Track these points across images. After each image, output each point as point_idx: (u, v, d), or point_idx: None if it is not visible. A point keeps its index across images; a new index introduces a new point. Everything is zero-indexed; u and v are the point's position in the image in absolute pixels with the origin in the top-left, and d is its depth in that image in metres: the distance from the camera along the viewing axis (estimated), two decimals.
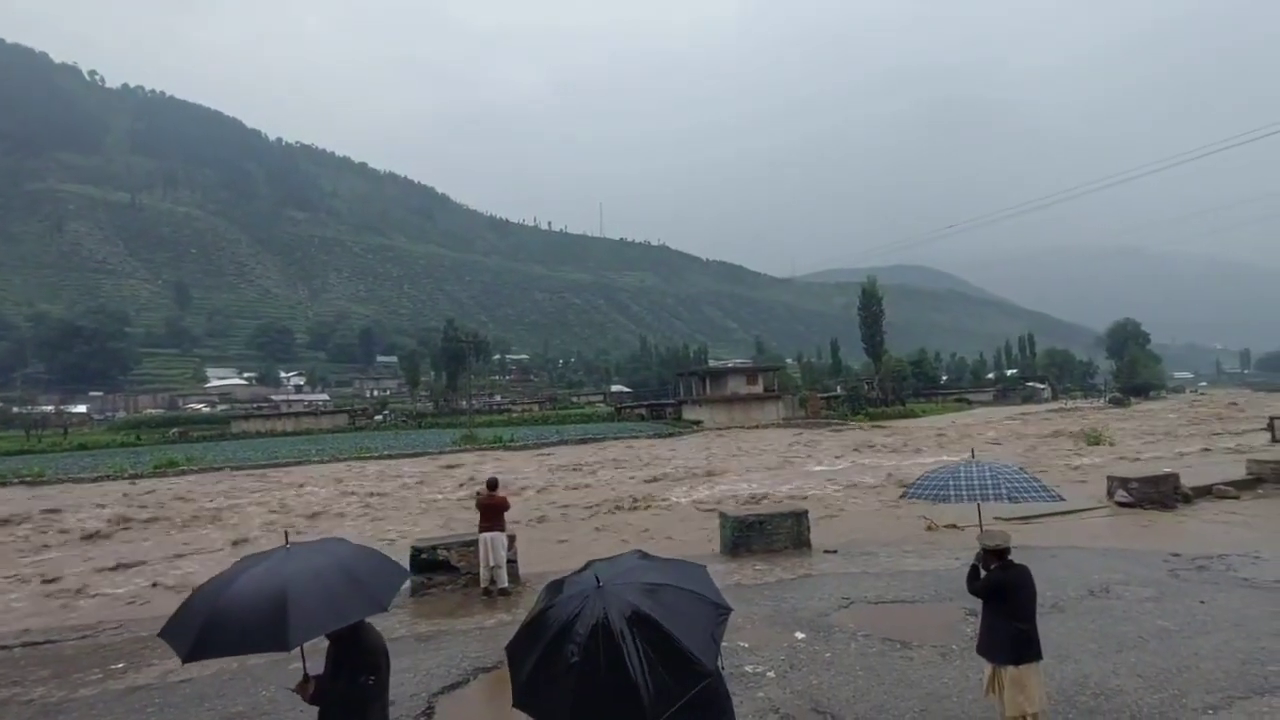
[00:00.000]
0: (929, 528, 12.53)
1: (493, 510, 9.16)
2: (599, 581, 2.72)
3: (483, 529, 9.12)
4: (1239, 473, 15.01)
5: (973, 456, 5.34)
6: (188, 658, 2.67)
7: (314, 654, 3.66)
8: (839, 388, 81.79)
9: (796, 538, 10.98)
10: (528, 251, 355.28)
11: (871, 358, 75.11)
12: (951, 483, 4.73)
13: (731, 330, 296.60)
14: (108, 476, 32.66)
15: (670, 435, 50.46)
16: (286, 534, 3.37)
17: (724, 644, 2.81)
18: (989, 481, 4.66)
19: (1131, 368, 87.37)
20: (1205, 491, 13.81)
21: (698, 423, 59.91)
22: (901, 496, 5.77)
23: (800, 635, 6.98)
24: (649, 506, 17.91)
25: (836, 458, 28.60)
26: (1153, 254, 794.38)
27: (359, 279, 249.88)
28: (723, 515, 11.61)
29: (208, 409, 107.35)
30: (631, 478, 24.48)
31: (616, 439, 47.47)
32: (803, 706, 5.37)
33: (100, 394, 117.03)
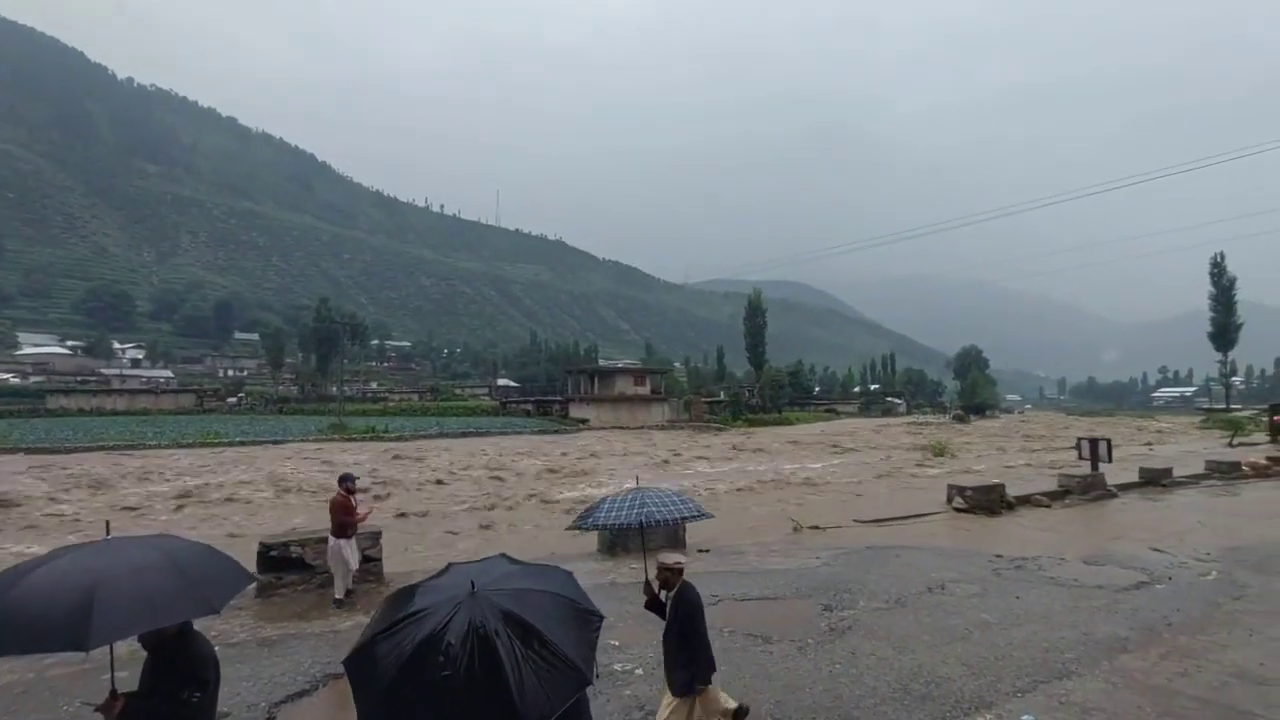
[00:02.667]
0: (795, 529, 13.28)
1: (342, 511, 8.39)
2: (473, 587, 2.54)
3: (333, 531, 8.34)
4: (1052, 485, 17.17)
5: (637, 483, 5.65)
6: None
7: (131, 664, 3.22)
8: (722, 393, 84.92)
9: (672, 537, 11.20)
10: (416, 233, 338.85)
11: (754, 366, 78.81)
12: (615, 510, 4.76)
13: (623, 331, 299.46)
14: None
15: (556, 432, 50.11)
16: (108, 524, 2.93)
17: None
18: (651, 506, 4.77)
19: (972, 389, 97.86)
20: (1025, 500, 15.68)
21: (584, 421, 59.93)
22: (568, 529, 5.82)
23: None
24: (527, 505, 17.63)
25: (713, 460, 29.67)
26: (997, 288, 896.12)
27: (218, 245, 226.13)
28: None
29: (17, 380, 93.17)
30: (512, 474, 24.00)
31: (500, 434, 46.42)
32: None
33: None
